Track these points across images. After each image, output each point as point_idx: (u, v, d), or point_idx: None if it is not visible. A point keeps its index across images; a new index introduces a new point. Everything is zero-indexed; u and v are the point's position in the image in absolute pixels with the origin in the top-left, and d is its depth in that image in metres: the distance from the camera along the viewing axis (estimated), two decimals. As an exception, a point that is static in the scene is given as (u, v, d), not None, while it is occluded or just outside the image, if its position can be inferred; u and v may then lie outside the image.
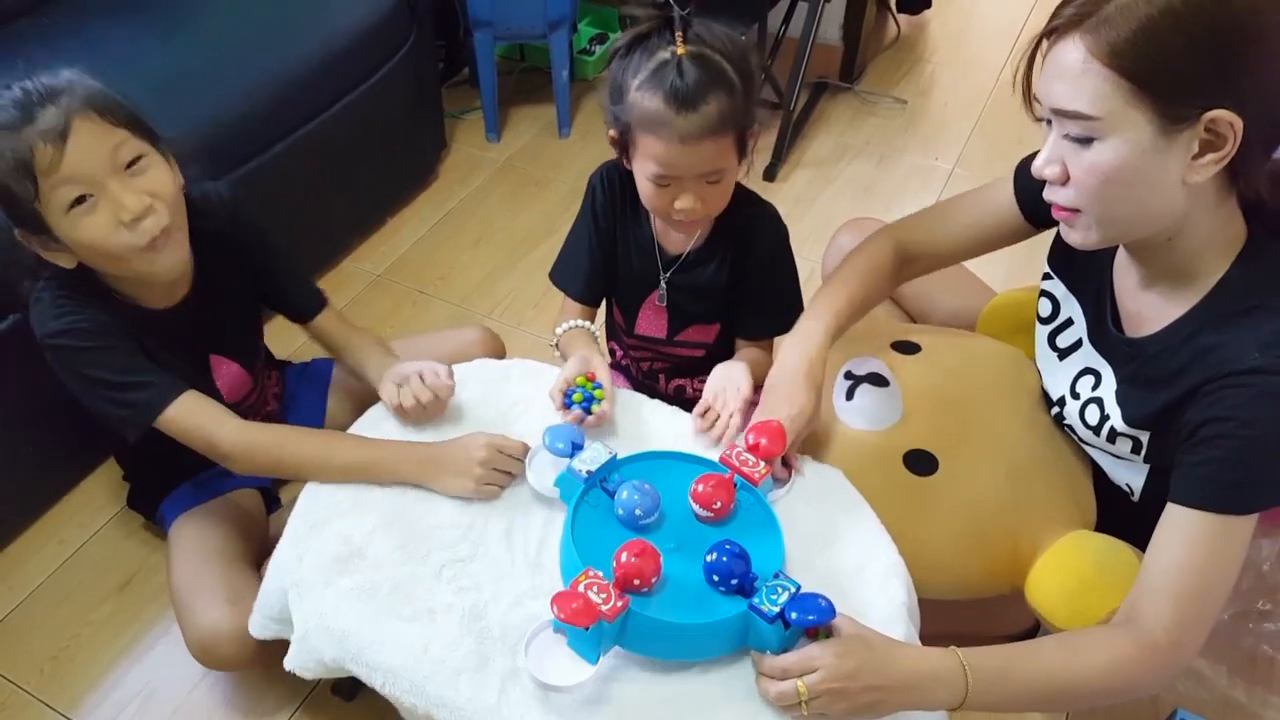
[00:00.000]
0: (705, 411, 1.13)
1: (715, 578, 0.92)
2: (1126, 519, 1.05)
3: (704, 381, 1.17)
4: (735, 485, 1.00)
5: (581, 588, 0.87)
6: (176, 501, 1.32)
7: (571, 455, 1.03)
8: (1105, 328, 1.03)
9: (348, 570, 1.00)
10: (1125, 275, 1.01)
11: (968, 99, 2.51)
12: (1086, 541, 1.08)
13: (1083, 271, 1.07)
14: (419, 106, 2.10)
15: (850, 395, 1.15)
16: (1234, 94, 0.80)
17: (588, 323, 1.29)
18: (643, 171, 1.11)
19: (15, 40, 1.62)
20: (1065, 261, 1.10)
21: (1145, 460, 1.00)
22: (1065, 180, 0.88)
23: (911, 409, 1.14)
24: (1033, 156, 0.94)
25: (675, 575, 0.94)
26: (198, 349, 1.24)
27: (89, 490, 1.57)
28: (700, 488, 0.99)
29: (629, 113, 1.08)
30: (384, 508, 1.06)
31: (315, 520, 1.06)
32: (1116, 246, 1.01)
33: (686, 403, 1.20)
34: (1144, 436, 0.98)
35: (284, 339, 1.45)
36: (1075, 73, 0.82)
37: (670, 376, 1.39)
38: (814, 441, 1.14)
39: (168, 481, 1.33)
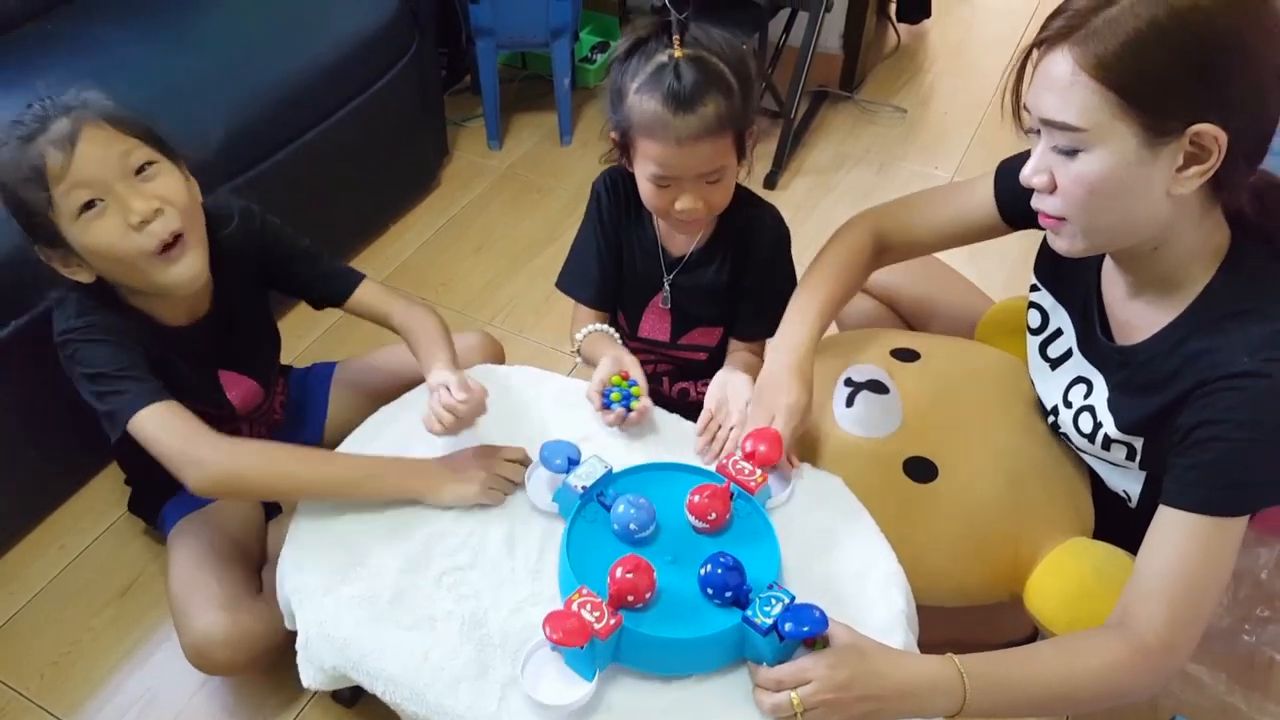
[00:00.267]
0: (708, 423, 1.13)
1: (710, 590, 0.92)
2: (1124, 526, 1.05)
3: (708, 384, 1.18)
4: (732, 495, 1.00)
5: (575, 606, 0.88)
6: (177, 506, 1.32)
7: (567, 471, 1.03)
8: (1094, 337, 1.03)
9: (348, 578, 1.00)
10: (1113, 284, 1.02)
11: (967, 108, 2.52)
12: (1085, 549, 1.08)
13: (1070, 282, 1.08)
14: (421, 114, 2.11)
15: (850, 402, 1.16)
16: (1219, 109, 0.81)
17: (607, 326, 1.30)
18: (643, 173, 1.13)
19: (21, 46, 1.63)
20: (1052, 273, 1.11)
21: (1141, 467, 1.01)
22: (1053, 189, 0.89)
23: (911, 416, 1.14)
24: (1015, 158, 0.95)
25: (671, 588, 0.94)
26: (213, 365, 1.24)
27: (90, 496, 1.57)
28: (696, 499, 0.99)
29: (628, 116, 1.09)
30: (385, 515, 1.06)
31: (316, 528, 1.06)
32: (1103, 256, 1.02)
33: (690, 406, 1.20)
34: (1138, 443, 0.99)
35: (286, 344, 1.45)
36: (1063, 85, 0.83)
37: (674, 380, 1.40)
38: (813, 448, 1.15)
39: (169, 486, 1.33)
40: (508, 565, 1.01)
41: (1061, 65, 0.83)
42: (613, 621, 0.87)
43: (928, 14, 2.70)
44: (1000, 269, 1.37)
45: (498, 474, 1.07)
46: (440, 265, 2.05)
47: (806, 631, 0.87)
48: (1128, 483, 1.05)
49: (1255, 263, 0.91)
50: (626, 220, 1.28)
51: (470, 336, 1.50)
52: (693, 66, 1.06)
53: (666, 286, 1.29)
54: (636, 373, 1.16)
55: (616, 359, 1.17)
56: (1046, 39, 0.85)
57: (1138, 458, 1.00)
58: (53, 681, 1.35)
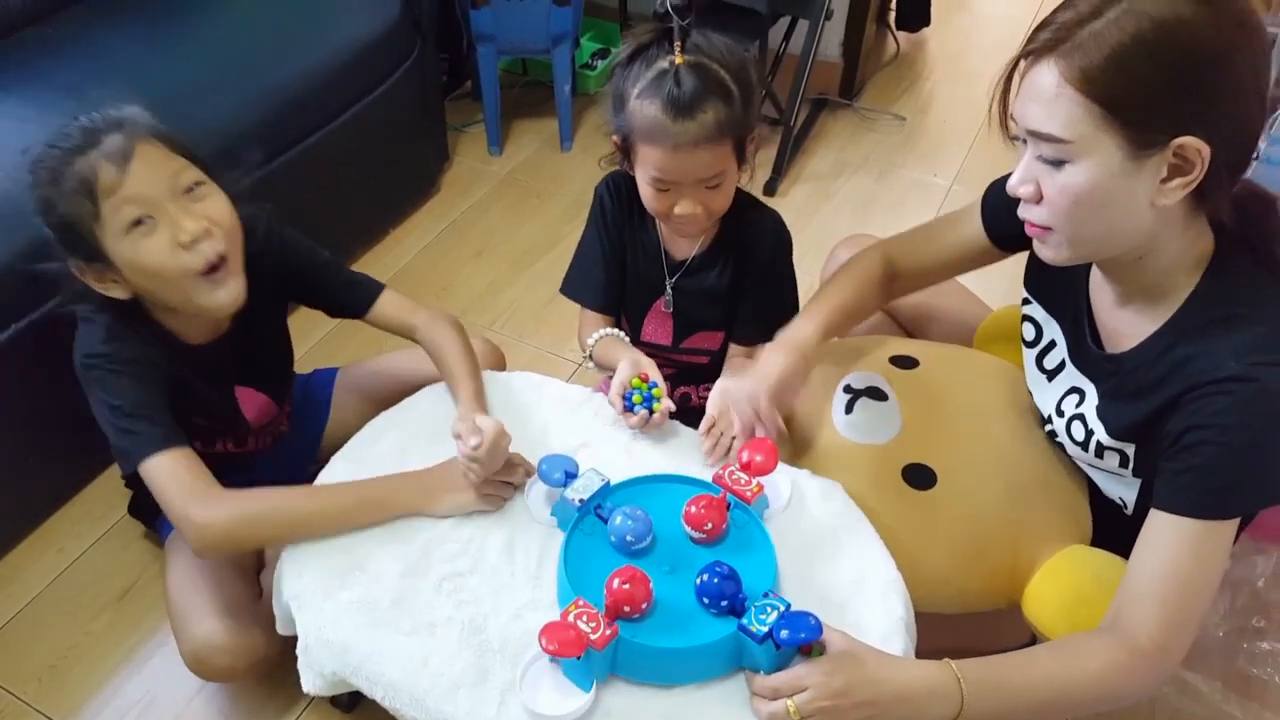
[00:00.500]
0: (709, 430, 1.13)
1: (706, 599, 0.93)
2: (1121, 533, 1.05)
3: (709, 388, 1.18)
4: (728, 505, 1.01)
5: (571, 618, 0.88)
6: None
7: (565, 484, 1.03)
8: (1085, 345, 1.04)
9: (348, 583, 1.00)
10: (1101, 293, 1.02)
11: (966, 116, 2.52)
12: (1083, 556, 1.08)
13: (1059, 293, 1.09)
14: (422, 119, 2.12)
15: (849, 409, 1.16)
16: (1202, 122, 0.81)
17: (617, 330, 1.30)
18: (643, 177, 1.14)
19: (20, 50, 1.63)
20: (1041, 284, 1.12)
21: (1135, 474, 1.01)
22: (1039, 199, 0.90)
23: (910, 423, 1.15)
24: (1000, 181, 0.97)
25: (669, 598, 0.94)
26: (231, 382, 1.24)
27: (89, 499, 1.57)
28: (692, 509, 1.00)
29: (629, 121, 1.10)
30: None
31: (316, 532, 1.06)
32: (1090, 267, 1.03)
33: (691, 410, 1.20)
34: (1129, 450, 1.00)
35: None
36: (1049, 97, 0.84)
37: (675, 384, 1.40)
38: (812, 454, 1.15)
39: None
40: (507, 571, 1.02)
41: (1047, 77, 0.84)
42: (609, 632, 0.87)
43: (927, 22, 2.71)
44: (999, 277, 1.37)
45: (494, 479, 1.07)
46: (440, 270, 2.05)
47: (802, 638, 0.87)
48: (1123, 490, 1.06)
49: (1239, 269, 0.92)
50: (629, 224, 1.29)
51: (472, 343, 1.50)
52: (693, 73, 1.06)
53: (669, 290, 1.29)
54: (655, 375, 1.16)
55: (634, 362, 1.17)
56: (1033, 51, 0.85)
57: (1130, 465, 1.01)
58: (50, 685, 1.35)
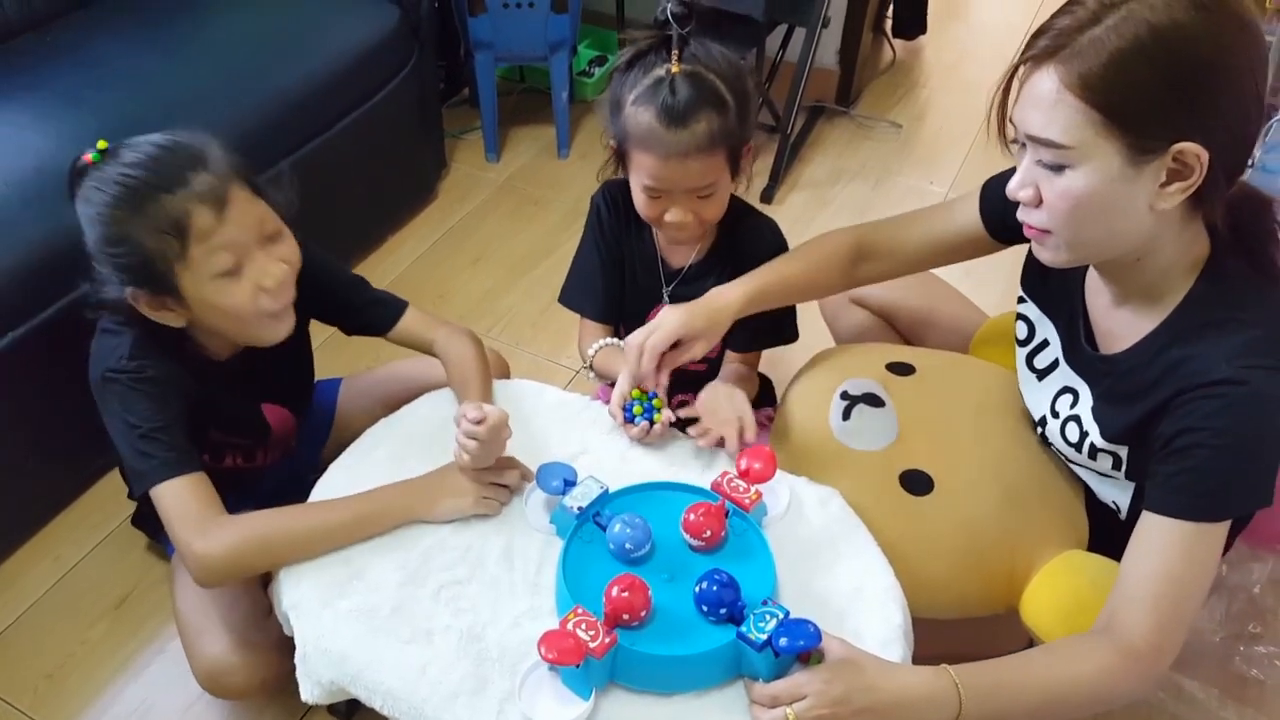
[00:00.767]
0: (704, 432, 1.14)
1: (704, 607, 0.93)
2: (1116, 537, 1.06)
3: None
4: (727, 512, 1.01)
5: (570, 626, 0.88)
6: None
7: (563, 492, 1.04)
8: (1079, 346, 1.05)
9: (346, 592, 1.00)
10: (1097, 295, 1.03)
11: (962, 123, 2.53)
12: (1080, 561, 1.08)
13: (1056, 293, 1.09)
14: (420, 126, 2.12)
15: (846, 415, 1.16)
16: (1201, 128, 0.82)
17: (617, 340, 1.30)
18: (636, 183, 1.15)
19: (19, 56, 1.63)
20: (1038, 284, 1.13)
21: (1128, 477, 1.02)
22: (1038, 203, 0.91)
23: (907, 429, 1.15)
24: (1001, 175, 0.97)
25: (668, 606, 0.94)
26: (256, 399, 1.24)
27: (85, 507, 1.57)
28: (691, 517, 1.00)
29: (624, 126, 1.11)
30: (383, 527, 1.06)
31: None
32: (1087, 268, 1.04)
33: (689, 419, 1.20)
34: (1123, 452, 1.00)
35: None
36: (1048, 103, 0.84)
37: (673, 391, 1.40)
38: (810, 461, 1.15)
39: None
40: (506, 579, 1.02)
41: (1046, 84, 0.84)
42: (608, 640, 0.87)
43: (923, 30, 2.72)
44: (995, 283, 1.38)
45: (492, 483, 1.07)
46: (438, 277, 2.05)
47: (800, 646, 0.87)
48: (1116, 494, 1.06)
49: (1234, 272, 0.93)
50: (626, 233, 1.29)
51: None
52: (688, 82, 1.07)
53: (666, 299, 1.30)
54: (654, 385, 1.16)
55: (634, 373, 1.17)
56: (1032, 57, 0.86)
57: (1124, 467, 1.01)
58: (48, 694, 1.34)
